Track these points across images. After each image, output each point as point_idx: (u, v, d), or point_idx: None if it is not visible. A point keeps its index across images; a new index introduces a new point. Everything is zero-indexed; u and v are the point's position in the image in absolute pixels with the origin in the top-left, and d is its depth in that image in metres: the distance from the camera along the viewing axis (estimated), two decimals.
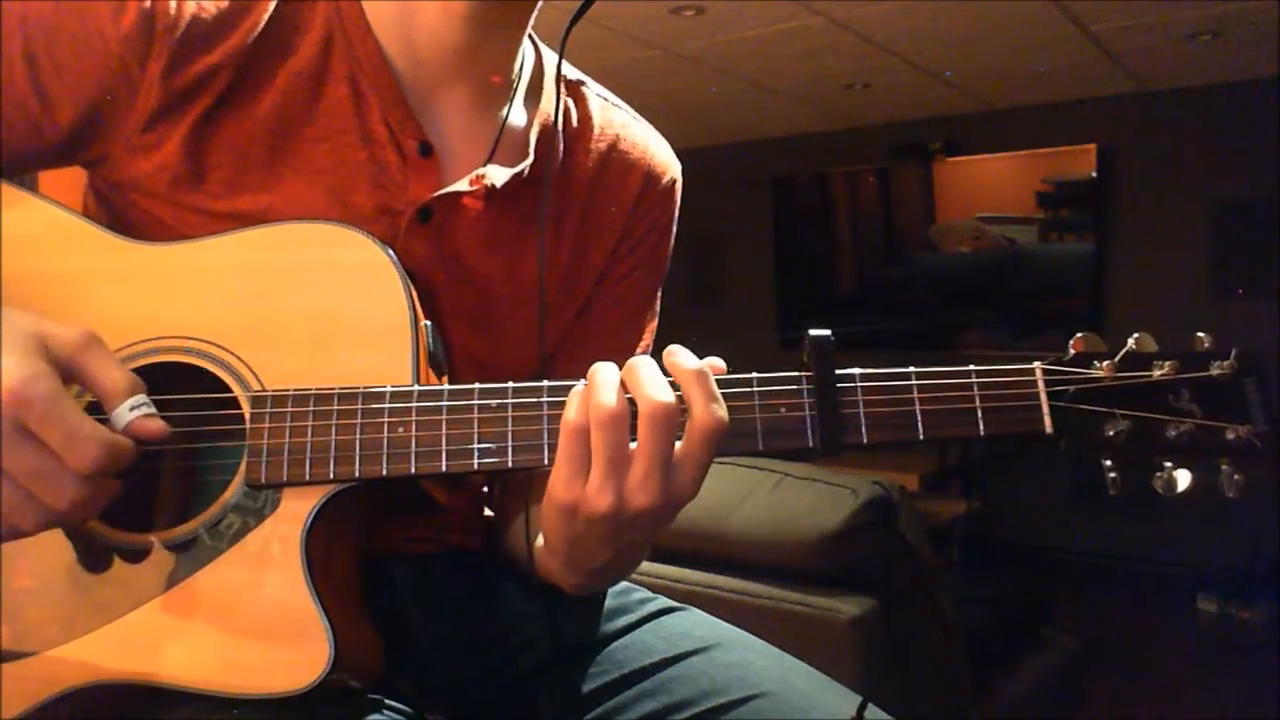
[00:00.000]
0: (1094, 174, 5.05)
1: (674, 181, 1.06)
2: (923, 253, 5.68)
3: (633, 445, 0.71)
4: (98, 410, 0.75)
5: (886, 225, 5.90)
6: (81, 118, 0.83)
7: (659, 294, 1.08)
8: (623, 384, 0.72)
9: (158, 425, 0.74)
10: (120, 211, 0.88)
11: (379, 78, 0.88)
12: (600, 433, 0.70)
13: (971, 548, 4.69)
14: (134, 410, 0.73)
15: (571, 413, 0.72)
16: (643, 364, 0.72)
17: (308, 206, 0.86)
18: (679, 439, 0.72)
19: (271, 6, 0.86)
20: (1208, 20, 3.83)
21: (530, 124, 0.97)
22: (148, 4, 0.81)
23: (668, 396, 0.71)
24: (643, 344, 1.06)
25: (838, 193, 6.03)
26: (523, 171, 0.93)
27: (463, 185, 0.90)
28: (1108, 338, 0.78)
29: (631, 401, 0.71)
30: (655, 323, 1.08)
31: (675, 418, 0.71)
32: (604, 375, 0.72)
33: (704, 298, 6.15)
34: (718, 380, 0.74)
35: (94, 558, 0.78)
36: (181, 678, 0.76)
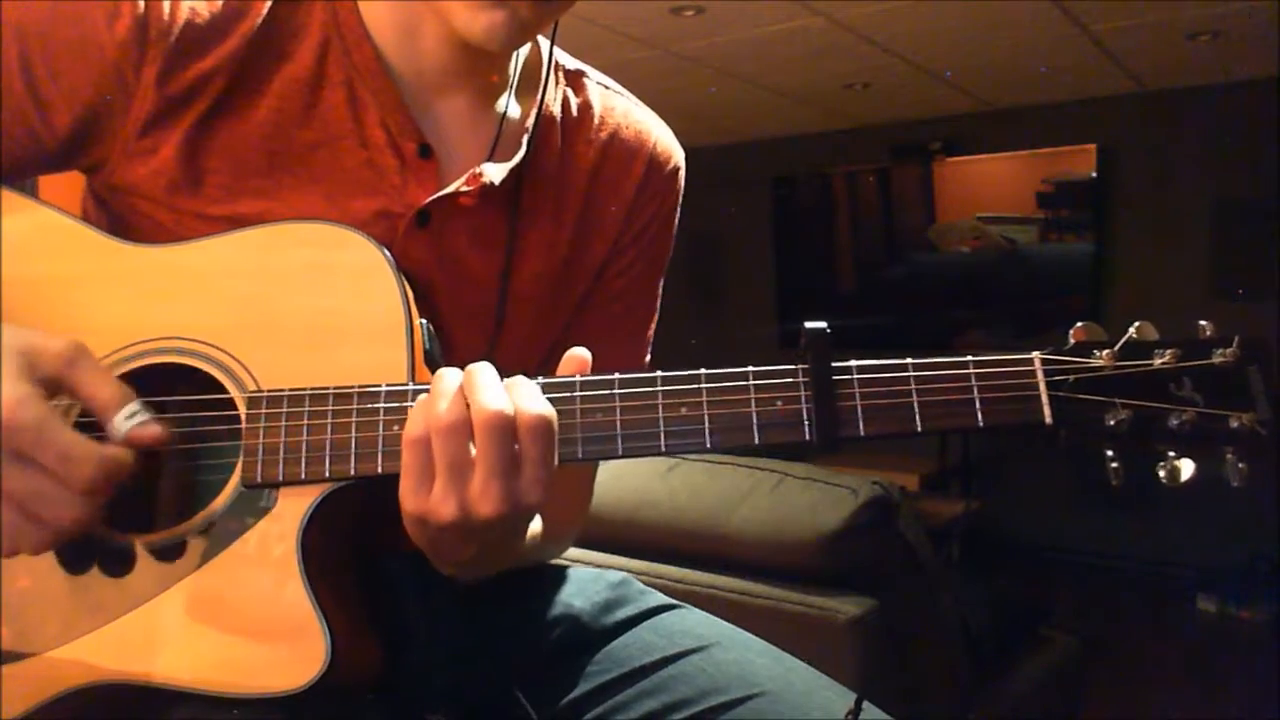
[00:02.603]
0: (1094, 174, 5.05)
1: (677, 168, 1.06)
2: (923, 253, 5.68)
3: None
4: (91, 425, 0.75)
5: (886, 225, 5.90)
6: (78, 123, 0.83)
7: (660, 286, 1.08)
8: (462, 391, 0.71)
9: (155, 431, 0.74)
10: (120, 215, 0.87)
11: (376, 82, 0.88)
12: (439, 442, 0.70)
13: (971, 548, 4.68)
14: (130, 419, 0.73)
15: (411, 422, 0.71)
16: (478, 371, 0.72)
17: (305, 213, 0.86)
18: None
19: (266, 9, 0.85)
20: (1208, 20, 3.83)
21: (526, 116, 0.96)
22: (141, 8, 0.81)
23: (499, 403, 0.70)
24: (645, 336, 1.06)
25: (838, 193, 6.03)
26: (518, 166, 0.92)
27: (460, 186, 0.89)
28: (1109, 336, 0.77)
29: None
30: (656, 314, 1.07)
31: (508, 423, 0.70)
32: (443, 384, 0.72)
33: (704, 297, 6.15)
34: (716, 375, 0.74)
35: (90, 559, 0.78)
36: (179, 678, 0.76)
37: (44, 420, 0.68)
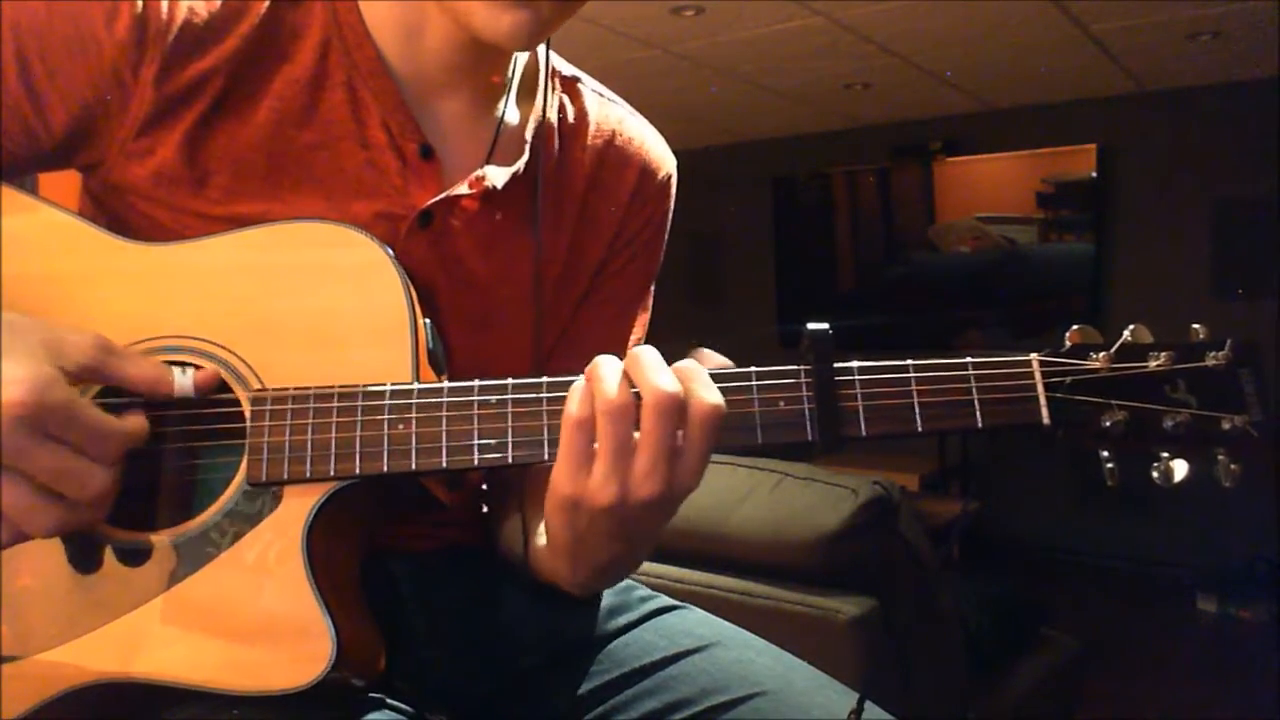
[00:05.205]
0: (1094, 174, 5.05)
1: (669, 177, 1.06)
2: (923, 253, 5.68)
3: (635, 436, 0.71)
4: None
5: (886, 225, 5.90)
6: (75, 122, 0.82)
7: (651, 293, 1.09)
8: (625, 375, 0.72)
9: (207, 373, 0.79)
10: (118, 213, 0.87)
11: (377, 82, 0.88)
12: (606, 424, 0.71)
13: (971, 548, 4.69)
14: (186, 374, 0.78)
15: (574, 406, 0.72)
16: (646, 353, 0.73)
17: (306, 214, 0.86)
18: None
19: (265, 8, 0.85)
20: (1208, 20, 3.83)
21: (525, 121, 0.97)
22: (139, 7, 0.81)
23: (674, 385, 0.71)
24: (634, 338, 1.06)
25: (838, 193, 6.03)
26: (520, 170, 0.93)
27: (462, 188, 0.90)
28: (1107, 337, 0.78)
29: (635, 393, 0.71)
30: (647, 317, 1.08)
31: (681, 406, 0.71)
32: (608, 368, 0.72)
33: (704, 297, 6.15)
34: (715, 374, 0.75)
35: (94, 558, 0.79)
36: (183, 676, 0.76)
37: (71, 400, 0.70)
